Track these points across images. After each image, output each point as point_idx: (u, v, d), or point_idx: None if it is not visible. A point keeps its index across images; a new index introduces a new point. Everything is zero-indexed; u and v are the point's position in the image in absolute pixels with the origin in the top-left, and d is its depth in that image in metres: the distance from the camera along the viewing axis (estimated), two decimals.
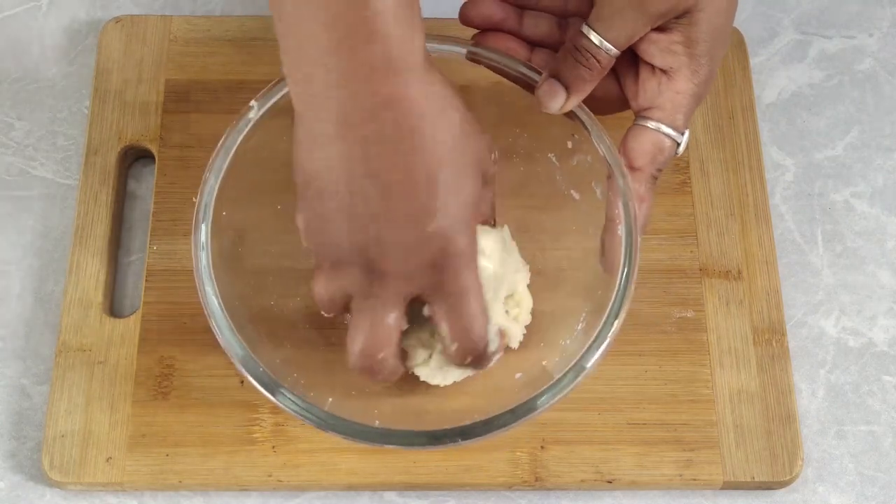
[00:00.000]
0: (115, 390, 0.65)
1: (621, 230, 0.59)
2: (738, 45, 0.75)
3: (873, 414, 0.67)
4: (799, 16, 0.79)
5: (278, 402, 0.57)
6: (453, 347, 0.56)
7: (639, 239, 0.59)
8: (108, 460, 0.63)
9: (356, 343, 0.56)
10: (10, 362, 0.67)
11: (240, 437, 0.64)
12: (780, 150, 0.74)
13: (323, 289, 0.56)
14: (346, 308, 0.57)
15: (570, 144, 0.64)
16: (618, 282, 0.59)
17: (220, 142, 0.61)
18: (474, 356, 0.57)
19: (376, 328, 0.55)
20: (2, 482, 0.64)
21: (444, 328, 0.56)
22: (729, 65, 0.75)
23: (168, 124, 0.72)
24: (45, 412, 0.65)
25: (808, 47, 0.78)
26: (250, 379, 0.57)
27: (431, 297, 0.55)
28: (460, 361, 0.57)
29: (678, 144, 0.60)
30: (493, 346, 0.57)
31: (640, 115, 0.60)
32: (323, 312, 0.57)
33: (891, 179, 0.74)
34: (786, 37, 0.78)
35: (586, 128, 0.61)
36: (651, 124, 0.60)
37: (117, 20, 0.75)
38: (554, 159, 0.65)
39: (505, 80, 0.63)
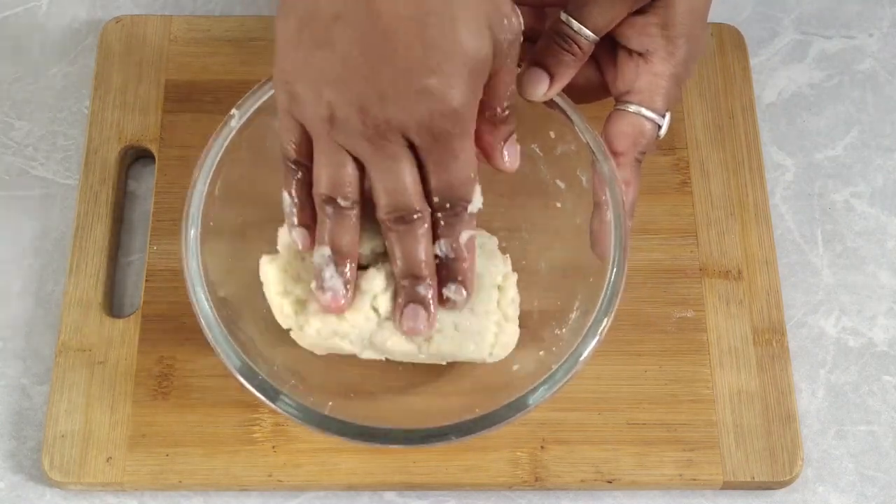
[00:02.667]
0: (115, 390, 0.65)
1: (609, 215, 0.59)
2: (738, 45, 0.75)
3: (873, 414, 0.67)
4: (799, 16, 0.79)
5: (278, 409, 0.57)
6: (435, 199, 0.55)
7: (629, 223, 0.59)
8: (108, 460, 0.63)
9: (322, 171, 0.54)
10: (10, 362, 0.67)
11: (240, 437, 0.64)
12: (780, 150, 0.74)
13: (289, 124, 0.54)
14: (310, 152, 0.55)
15: (552, 134, 0.64)
16: (610, 267, 0.59)
17: (205, 150, 0.60)
18: (455, 210, 0.55)
19: (338, 167, 0.54)
20: (2, 482, 0.64)
21: (431, 179, 0.54)
22: (729, 65, 0.75)
23: (168, 124, 0.72)
24: (45, 412, 0.65)
25: (808, 47, 0.78)
26: (250, 388, 0.57)
27: (422, 153, 0.53)
28: (439, 207, 0.56)
29: (659, 127, 0.60)
30: (475, 206, 0.56)
31: (620, 99, 0.60)
32: (289, 148, 0.56)
33: (891, 179, 0.74)
34: (786, 37, 0.78)
35: (568, 116, 0.61)
36: (631, 108, 0.60)
37: (117, 20, 0.75)
38: (537, 150, 0.65)
39: None
